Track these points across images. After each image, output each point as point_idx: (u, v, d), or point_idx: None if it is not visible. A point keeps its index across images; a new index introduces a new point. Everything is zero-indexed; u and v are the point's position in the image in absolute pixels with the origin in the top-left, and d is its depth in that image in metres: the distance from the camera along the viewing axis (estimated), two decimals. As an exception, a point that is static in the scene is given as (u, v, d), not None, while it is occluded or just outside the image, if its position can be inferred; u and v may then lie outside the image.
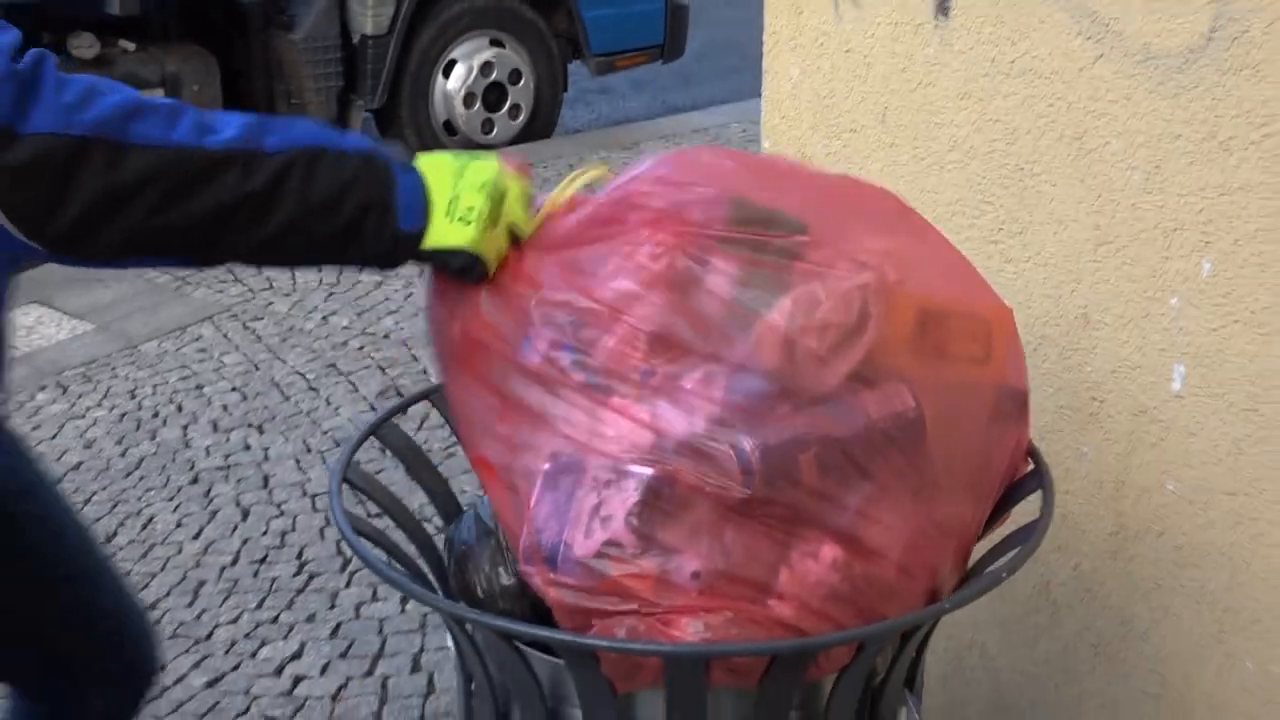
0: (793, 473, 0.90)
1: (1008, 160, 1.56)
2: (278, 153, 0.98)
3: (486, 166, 1.06)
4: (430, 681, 2.16)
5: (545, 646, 1.02)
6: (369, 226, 1.01)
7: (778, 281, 0.95)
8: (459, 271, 1.05)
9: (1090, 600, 1.48)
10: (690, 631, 0.93)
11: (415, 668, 2.19)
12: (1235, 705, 1.40)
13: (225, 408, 3.15)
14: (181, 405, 3.18)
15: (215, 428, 3.05)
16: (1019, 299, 1.52)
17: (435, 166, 1.05)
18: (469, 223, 1.02)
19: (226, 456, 2.92)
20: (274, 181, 0.97)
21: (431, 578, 1.26)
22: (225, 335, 3.58)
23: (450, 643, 1.20)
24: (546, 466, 0.95)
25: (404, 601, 2.32)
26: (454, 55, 4.86)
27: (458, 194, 1.03)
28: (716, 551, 0.91)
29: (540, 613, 1.04)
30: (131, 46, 4.24)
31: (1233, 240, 1.31)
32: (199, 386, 3.27)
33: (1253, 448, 1.34)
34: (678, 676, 0.95)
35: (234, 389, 3.25)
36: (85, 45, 4.06)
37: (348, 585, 2.41)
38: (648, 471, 0.91)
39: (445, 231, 1.03)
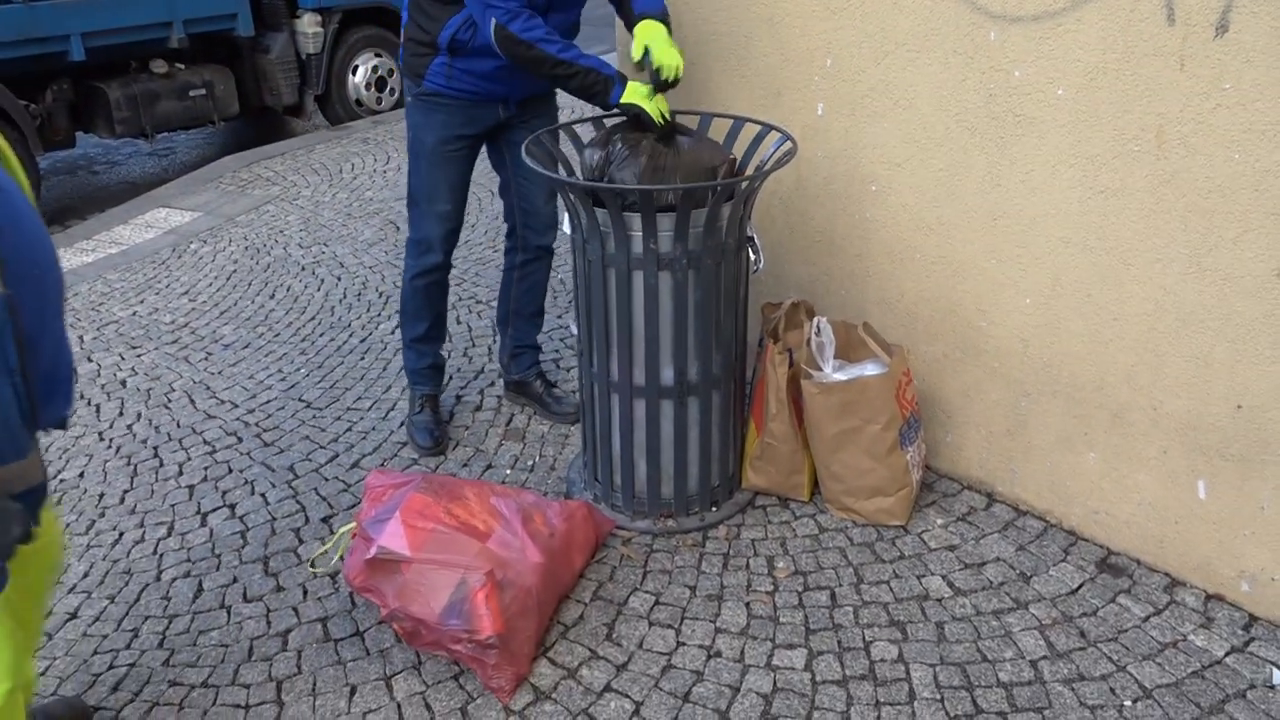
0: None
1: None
2: (584, 66, 2.65)
3: (642, 89, 2.61)
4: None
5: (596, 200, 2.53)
6: (599, 98, 2.66)
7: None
8: (624, 112, 2.64)
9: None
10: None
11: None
12: (849, 237, 3.03)
13: (300, 240, 5.11)
14: (277, 240, 5.12)
15: (300, 245, 5.04)
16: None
17: (633, 88, 2.62)
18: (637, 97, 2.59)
19: (315, 257, 4.93)
20: (577, 76, 2.66)
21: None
22: (283, 209, 5.56)
23: (567, 219, 2.70)
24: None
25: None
26: (356, 63, 7.60)
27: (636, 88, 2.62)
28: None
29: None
30: (182, 66, 6.66)
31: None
32: (281, 231, 5.23)
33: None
34: (643, 201, 2.75)
35: (302, 229, 5.25)
36: (159, 66, 6.49)
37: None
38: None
39: (629, 96, 2.62)
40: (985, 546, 2.69)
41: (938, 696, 2.25)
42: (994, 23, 2.48)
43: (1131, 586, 2.54)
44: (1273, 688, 2.23)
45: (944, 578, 2.59)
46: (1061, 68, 2.39)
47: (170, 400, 3.69)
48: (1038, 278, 2.59)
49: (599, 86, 2.65)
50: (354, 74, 7.52)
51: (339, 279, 4.64)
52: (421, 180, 3.11)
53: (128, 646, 2.52)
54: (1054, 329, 2.60)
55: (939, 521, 2.80)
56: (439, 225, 3.16)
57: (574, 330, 2.81)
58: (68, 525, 3.00)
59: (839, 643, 2.41)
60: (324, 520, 2.93)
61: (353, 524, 2.62)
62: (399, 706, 2.30)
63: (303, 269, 4.79)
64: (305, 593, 2.65)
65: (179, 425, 3.51)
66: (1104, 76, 2.32)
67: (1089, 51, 2.33)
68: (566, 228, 2.63)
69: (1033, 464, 2.76)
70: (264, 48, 6.91)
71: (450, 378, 3.66)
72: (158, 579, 2.75)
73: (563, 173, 2.71)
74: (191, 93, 6.47)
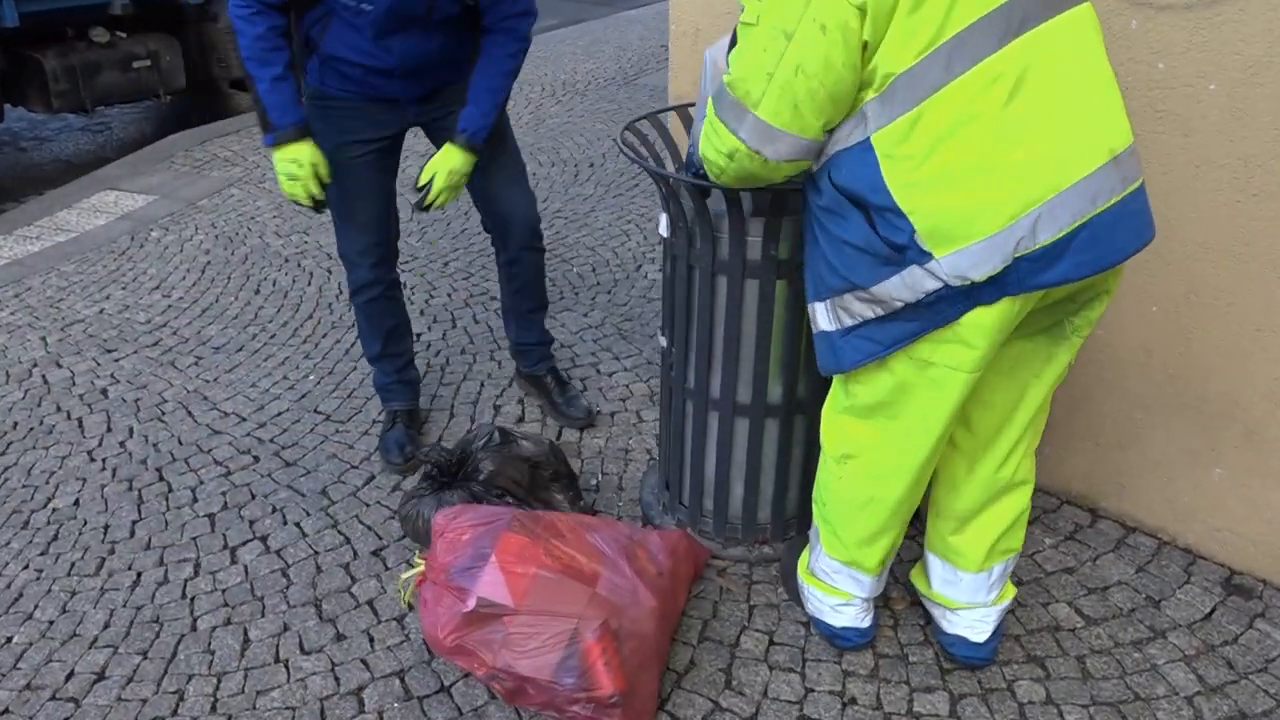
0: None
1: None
2: (260, 89, 2.55)
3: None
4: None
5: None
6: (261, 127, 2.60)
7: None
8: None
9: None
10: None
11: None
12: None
13: (277, 228, 4.68)
14: (250, 227, 4.69)
15: (278, 233, 4.61)
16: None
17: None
18: None
19: (297, 247, 4.53)
20: (251, 94, 2.63)
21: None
22: (250, 193, 5.09)
23: (661, 209, 2.33)
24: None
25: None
26: (311, 33, 7.43)
27: None
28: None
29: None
30: (125, 35, 6.11)
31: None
32: (253, 218, 4.79)
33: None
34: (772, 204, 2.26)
35: (276, 215, 4.82)
36: (100, 34, 5.97)
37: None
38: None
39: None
40: (1104, 568, 2.54)
41: (1101, 744, 2.09)
42: (1136, 10, 2.29)
43: (1265, 610, 2.41)
44: None
45: (1070, 604, 2.42)
46: (1216, 61, 2.21)
47: (164, 413, 3.31)
48: (1168, 285, 2.42)
49: (260, 119, 2.56)
50: None
51: (329, 271, 4.26)
52: (329, 190, 2.73)
53: (174, 712, 2.19)
54: (1184, 339, 2.44)
55: (1048, 541, 2.63)
56: (358, 238, 2.89)
57: (663, 343, 2.57)
58: (72, 564, 2.64)
59: (979, 683, 2.22)
60: (375, 554, 2.62)
61: (419, 568, 2.33)
62: (512, 777, 2.05)
63: (286, 260, 4.40)
64: (372, 641, 2.35)
65: (181, 442, 3.14)
66: (1268, 72, 2.15)
67: (1251, 44, 2.15)
68: (664, 230, 2.37)
69: (1146, 479, 2.61)
70: (212, 16, 6.43)
71: (482, 385, 3.37)
72: (193, 628, 2.41)
73: (671, 167, 2.44)
74: (135, 64, 5.95)
